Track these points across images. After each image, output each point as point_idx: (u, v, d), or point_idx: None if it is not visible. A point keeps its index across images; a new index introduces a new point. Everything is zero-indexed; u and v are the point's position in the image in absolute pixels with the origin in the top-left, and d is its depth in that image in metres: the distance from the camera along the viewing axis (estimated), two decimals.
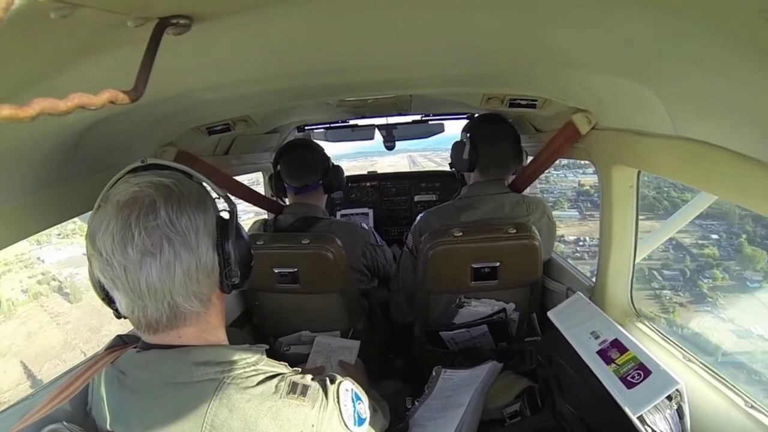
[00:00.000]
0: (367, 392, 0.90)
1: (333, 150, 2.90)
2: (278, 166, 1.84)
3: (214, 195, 0.79)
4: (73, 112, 0.33)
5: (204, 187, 0.76)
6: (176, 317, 0.71)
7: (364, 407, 0.84)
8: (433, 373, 1.45)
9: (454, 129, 2.70)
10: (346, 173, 2.06)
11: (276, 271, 1.62)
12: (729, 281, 8.83)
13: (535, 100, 1.49)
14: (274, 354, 0.92)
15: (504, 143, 1.69)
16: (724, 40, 0.53)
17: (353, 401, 0.81)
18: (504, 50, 0.92)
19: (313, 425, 0.72)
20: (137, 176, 0.70)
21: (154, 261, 0.65)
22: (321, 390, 0.76)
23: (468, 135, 1.71)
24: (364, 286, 1.92)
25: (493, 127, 1.71)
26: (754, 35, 0.48)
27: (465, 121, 1.92)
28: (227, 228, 0.74)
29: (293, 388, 0.73)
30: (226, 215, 0.77)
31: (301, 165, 1.81)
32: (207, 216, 0.72)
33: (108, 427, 0.76)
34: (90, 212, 0.69)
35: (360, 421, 0.80)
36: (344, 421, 0.76)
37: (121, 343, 0.84)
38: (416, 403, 1.36)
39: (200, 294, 0.71)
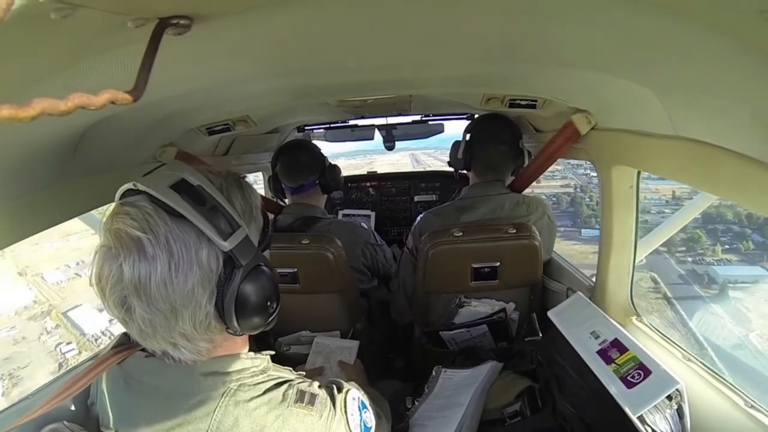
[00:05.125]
0: (366, 392, 0.90)
1: (331, 148, 2.90)
2: (276, 168, 1.86)
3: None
4: (73, 112, 0.33)
5: (194, 231, 0.62)
6: (173, 358, 0.70)
7: (370, 415, 0.85)
8: (434, 373, 1.45)
9: (456, 128, 2.70)
10: (344, 172, 2.06)
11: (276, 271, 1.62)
12: None
13: (535, 101, 1.49)
14: (273, 354, 0.91)
15: (500, 145, 1.68)
16: (723, 41, 0.53)
17: (360, 410, 0.81)
18: (504, 50, 0.92)
19: None
20: (119, 215, 0.61)
21: (131, 321, 0.62)
22: (329, 399, 0.76)
23: (466, 134, 1.71)
24: (364, 286, 1.93)
25: (491, 128, 1.71)
26: (754, 35, 0.48)
27: (465, 122, 1.92)
28: (230, 279, 0.64)
29: (301, 396, 0.73)
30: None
31: (296, 165, 1.83)
32: (190, 272, 0.61)
33: (111, 426, 0.76)
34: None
35: (366, 430, 0.81)
36: (351, 430, 0.77)
37: (127, 341, 0.83)
38: (416, 402, 1.36)
39: (191, 348, 0.67)
